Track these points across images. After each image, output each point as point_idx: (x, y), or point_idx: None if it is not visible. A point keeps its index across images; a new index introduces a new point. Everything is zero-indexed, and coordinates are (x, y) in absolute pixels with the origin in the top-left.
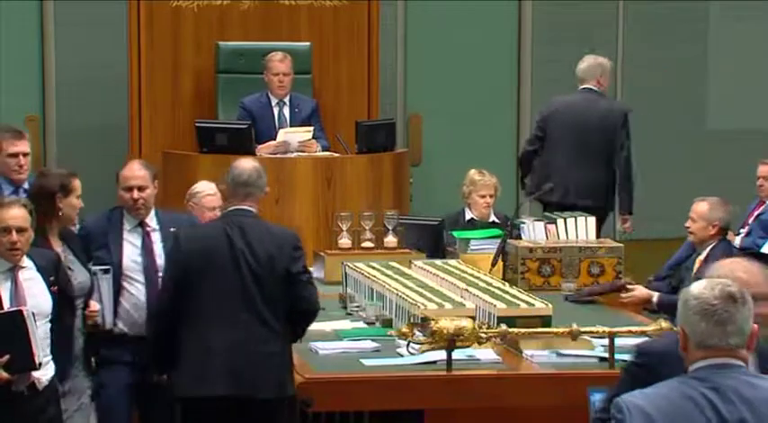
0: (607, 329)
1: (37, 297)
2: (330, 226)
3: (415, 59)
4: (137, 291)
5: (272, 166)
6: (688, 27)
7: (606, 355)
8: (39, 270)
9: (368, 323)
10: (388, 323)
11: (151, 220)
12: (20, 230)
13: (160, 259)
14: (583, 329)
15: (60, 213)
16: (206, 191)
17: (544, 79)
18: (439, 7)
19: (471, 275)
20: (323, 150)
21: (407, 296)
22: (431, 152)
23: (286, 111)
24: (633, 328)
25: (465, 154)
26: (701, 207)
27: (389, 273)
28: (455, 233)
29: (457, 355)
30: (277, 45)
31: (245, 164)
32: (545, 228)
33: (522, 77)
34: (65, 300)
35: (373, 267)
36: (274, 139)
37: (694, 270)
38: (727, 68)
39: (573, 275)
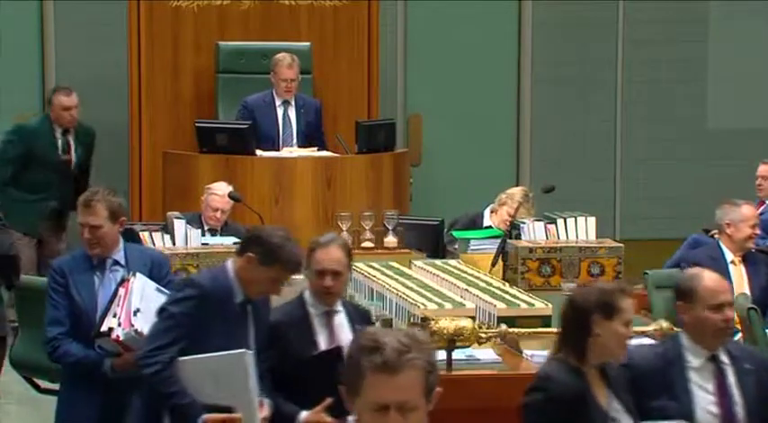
0: None
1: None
2: (330, 226)
3: (415, 59)
4: None
5: (272, 166)
6: (688, 27)
7: None
8: (348, 317)
9: None
10: (388, 323)
11: (723, 354)
12: (335, 275)
13: (738, 407)
14: None
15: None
16: (214, 190)
17: (544, 79)
18: (439, 7)
19: (471, 275)
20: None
21: (407, 296)
22: (431, 152)
23: (291, 112)
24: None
25: (465, 154)
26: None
27: (389, 273)
28: (455, 233)
29: (457, 355)
30: (277, 45)
31: None
32: (545, 228)
33: (522, 77)
34: None
35: (373, 267)
36: (276, 138)
37: (746, 279)
38: (728, 68)
39: (573, 275)
